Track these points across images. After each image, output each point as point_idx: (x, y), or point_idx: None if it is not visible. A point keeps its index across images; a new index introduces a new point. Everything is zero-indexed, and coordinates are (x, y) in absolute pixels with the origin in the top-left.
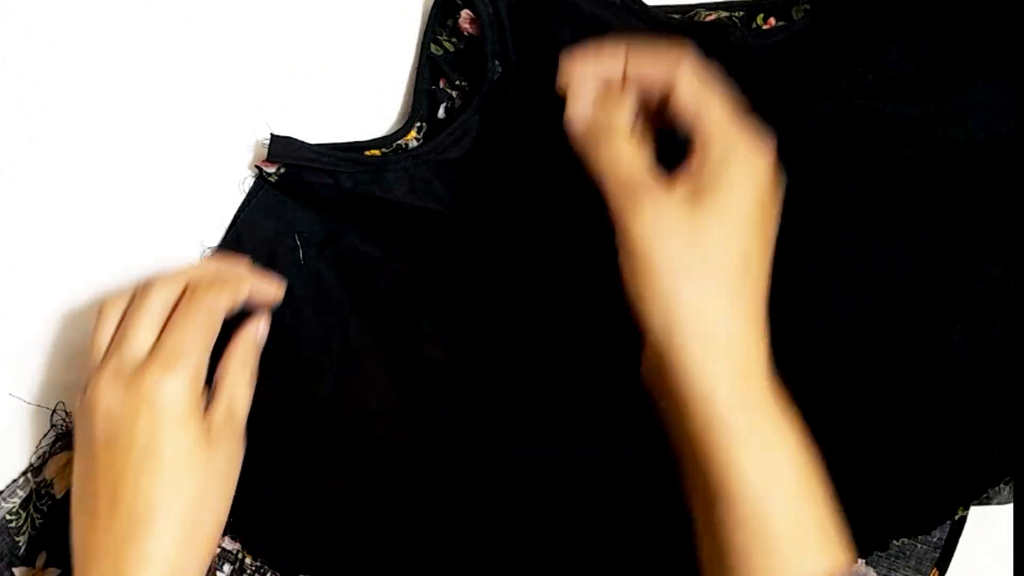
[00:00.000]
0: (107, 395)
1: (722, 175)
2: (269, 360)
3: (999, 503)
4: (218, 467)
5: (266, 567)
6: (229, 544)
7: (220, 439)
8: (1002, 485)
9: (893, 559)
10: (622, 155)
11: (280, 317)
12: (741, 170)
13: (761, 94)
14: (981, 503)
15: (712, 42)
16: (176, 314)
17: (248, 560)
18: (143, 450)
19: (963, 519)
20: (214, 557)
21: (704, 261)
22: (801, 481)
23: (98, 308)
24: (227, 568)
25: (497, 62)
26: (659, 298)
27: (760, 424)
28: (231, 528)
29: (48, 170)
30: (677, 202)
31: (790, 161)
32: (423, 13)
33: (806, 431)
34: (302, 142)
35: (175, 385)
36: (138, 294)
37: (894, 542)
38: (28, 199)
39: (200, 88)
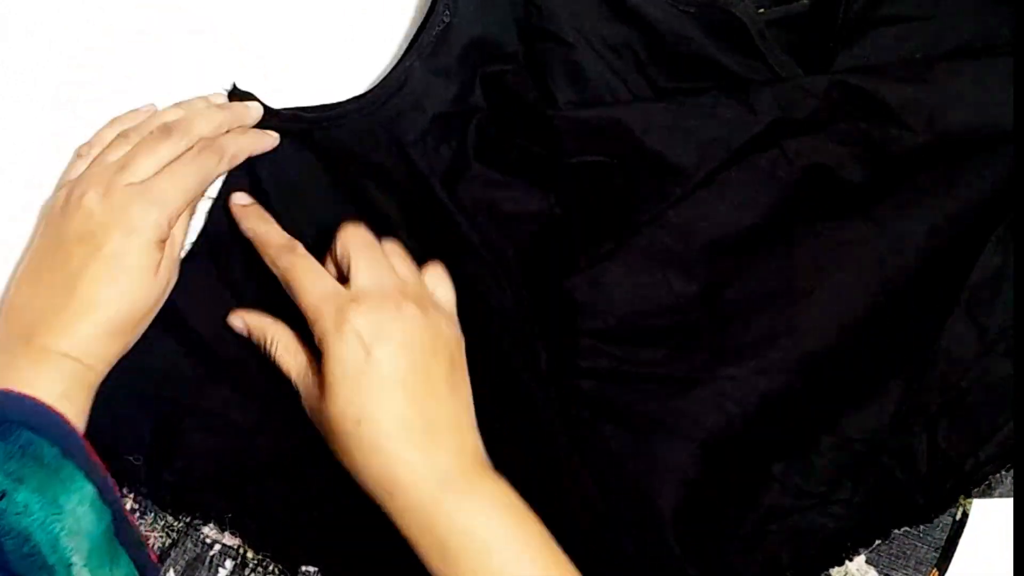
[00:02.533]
0: (94, 200)
1: (323, 357)
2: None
3: (1002, 495)
4: (156, 292)
5: (268, 560)
6: (230, 539)
7: (165, 270)
8: (1004, 473)
9: (893, 559)
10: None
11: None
12: (329, 349)
13: (759, 67)
14: (984, 494)
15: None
16: (177, 162)
17: (250, 555)
18: (110, 257)
19: (963, 519)
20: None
21: (333, 435)
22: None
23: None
24: (228, 564)
25: (447, 10)
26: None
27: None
28: (231, 523)
29: (48, 170)
30: (314, 392)
31: (786, 139)
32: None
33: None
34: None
35: (156, 220)
36: (147, 121)
37: (896, 532)
38: (28, 199)
39: (199, 88)
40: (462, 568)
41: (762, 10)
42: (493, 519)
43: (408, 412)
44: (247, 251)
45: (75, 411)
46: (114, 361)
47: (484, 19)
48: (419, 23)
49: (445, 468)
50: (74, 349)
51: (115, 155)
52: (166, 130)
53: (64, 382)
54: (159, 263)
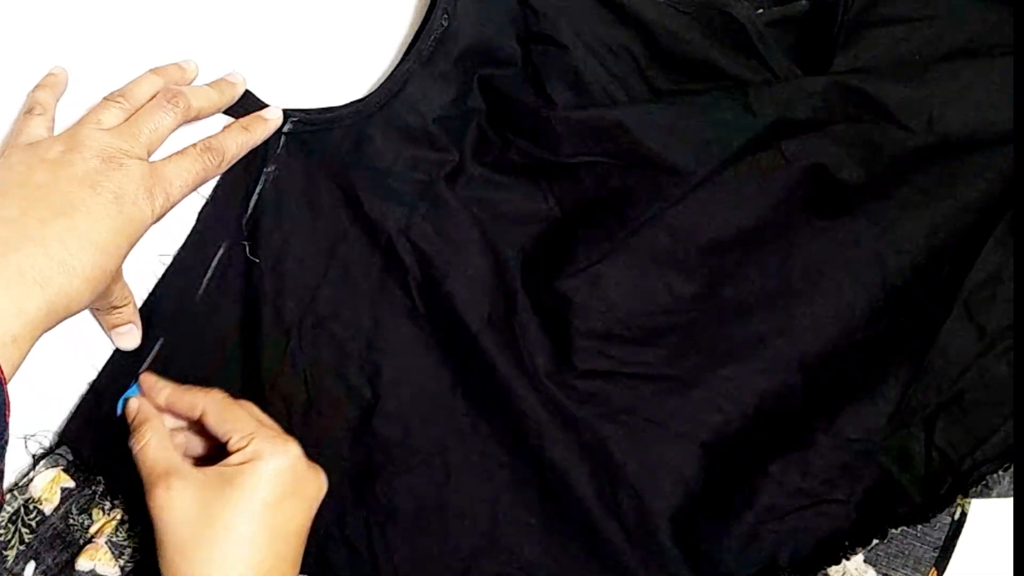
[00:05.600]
0: (102, 159)
1: (246, 471)
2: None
3: (1000, 495)
4: (117, 267)
5: None
6: None
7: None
8: (1001, 473)
9: (892, 558)
10: (151, 444)
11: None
12: (262, 468)
13: (758, 68)
14: (981, 494)
15: (714, 15)
16: (184, 157)
17: None
18: (120, 210)
19: (962, 519)
20: None
21: (207, 542)
22: None
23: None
24: None
25: (446, 15)
26: (169, 568)
27: None
28: None
29: None
30: (197, 488)
31: (784, 139)
32: (420, 15)
33: None
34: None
35: (161, 204)
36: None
37: (894, 531)
38: None
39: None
40: None
41: (761, 11)
42: None
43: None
44: (232, 252)
45: (17, 357)
46: (71, 314)
47: (482, 23)
48: (418, 27)
49: None
50: (52, 279)
51: (108, 118)
52: (169, 98)
53: (20, 321)
54: (133, 242)
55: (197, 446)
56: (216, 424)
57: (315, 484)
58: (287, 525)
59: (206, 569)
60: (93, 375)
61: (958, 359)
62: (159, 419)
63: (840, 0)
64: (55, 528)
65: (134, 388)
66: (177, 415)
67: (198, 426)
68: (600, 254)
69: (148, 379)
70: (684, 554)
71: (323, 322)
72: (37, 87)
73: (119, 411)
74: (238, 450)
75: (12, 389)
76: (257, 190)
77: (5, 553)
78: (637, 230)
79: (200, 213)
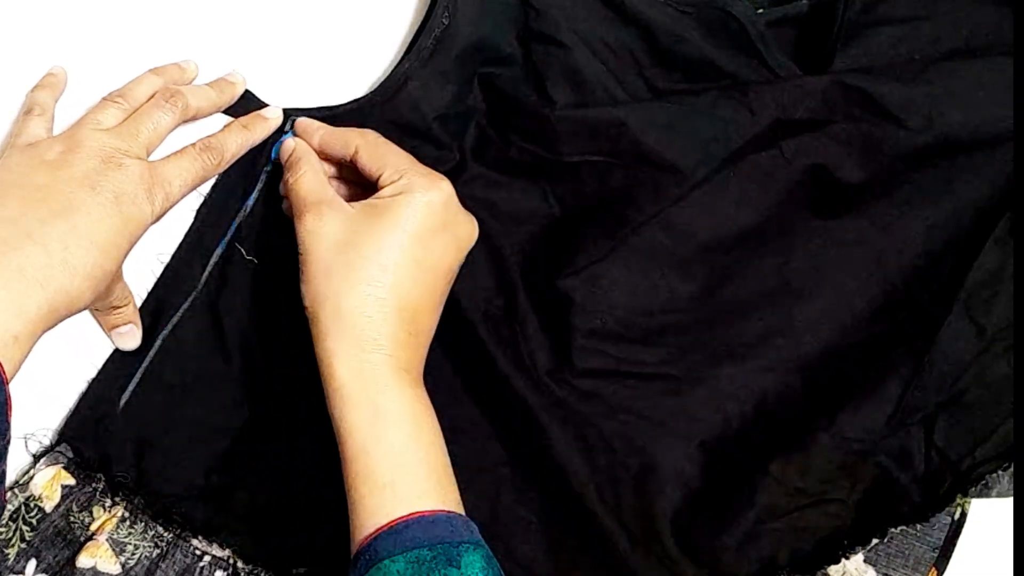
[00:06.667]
0: (99, 140)
1: (398, 202)
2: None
3: (999, 494)
4: (116, 267)
5: (259, 570)
6: (219, 550)
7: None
8: (1001, 473)
9: (892, 558)
10: (306, 177)
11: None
12: (415, 200)
13: (758, 68)
14: (981, 494)
15: (714, 14)
16: (184, 157)
17: (240, 564)
18: (120, 211)
19: (962, 519)
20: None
21: (352, 264)
22: (404, 445)
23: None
24: (220, 575)
25: (446, 13)
26: (310, 285)
27: (372, 395)
28: (219, 536)
29: None
30: (347, 218)
31: (784, 139)
32: (420, 14)
33: (427, 412)
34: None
35: (160, 203)
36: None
37: (893, 531)
38: None
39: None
40: (393, 433)
41: (761, 10)
42: (428, 408)
43: (411, 299)
44: (231, 249)
45: (19, 356)
46: (72, 313)
47: (482, 22)
48: (418, 25)
49: (407, 362)
50: (52, 278)
51: (107, 118)
52: (167, 97)
53: (20, 320)
54: (133, 242)
55: (347, 195)
56: (369, 160)
57: (467, 226)
58: (435, 261)
59: (348, 287)
60: (93, 375)
61: (958, 359)
62: (314, 157)
63: (840, 0)
64: (56, 526)
65: (289, 134)
66: (331, 157)
67: (350, 173)
68: (600, 253)
69: (303, 122)
70: (684, 553)
71: None
72: (36, 87)
73: (274, 155)
74: (390, 183)
75: (12, 388)
76: (256, 189)
77: (6, 551)
78: (637, 229)
79: (198, 212)
